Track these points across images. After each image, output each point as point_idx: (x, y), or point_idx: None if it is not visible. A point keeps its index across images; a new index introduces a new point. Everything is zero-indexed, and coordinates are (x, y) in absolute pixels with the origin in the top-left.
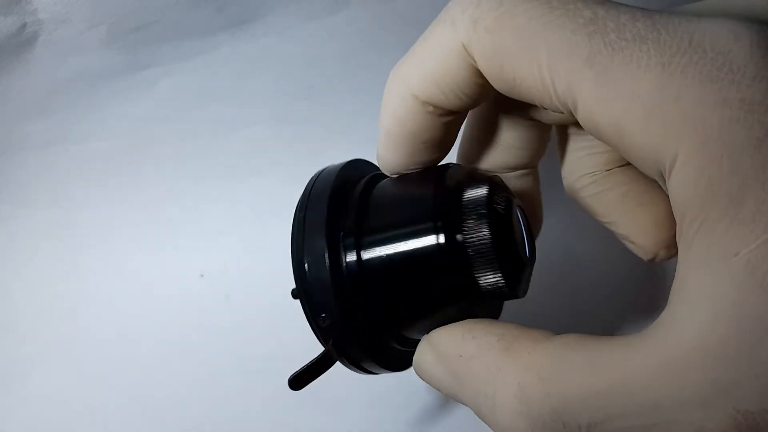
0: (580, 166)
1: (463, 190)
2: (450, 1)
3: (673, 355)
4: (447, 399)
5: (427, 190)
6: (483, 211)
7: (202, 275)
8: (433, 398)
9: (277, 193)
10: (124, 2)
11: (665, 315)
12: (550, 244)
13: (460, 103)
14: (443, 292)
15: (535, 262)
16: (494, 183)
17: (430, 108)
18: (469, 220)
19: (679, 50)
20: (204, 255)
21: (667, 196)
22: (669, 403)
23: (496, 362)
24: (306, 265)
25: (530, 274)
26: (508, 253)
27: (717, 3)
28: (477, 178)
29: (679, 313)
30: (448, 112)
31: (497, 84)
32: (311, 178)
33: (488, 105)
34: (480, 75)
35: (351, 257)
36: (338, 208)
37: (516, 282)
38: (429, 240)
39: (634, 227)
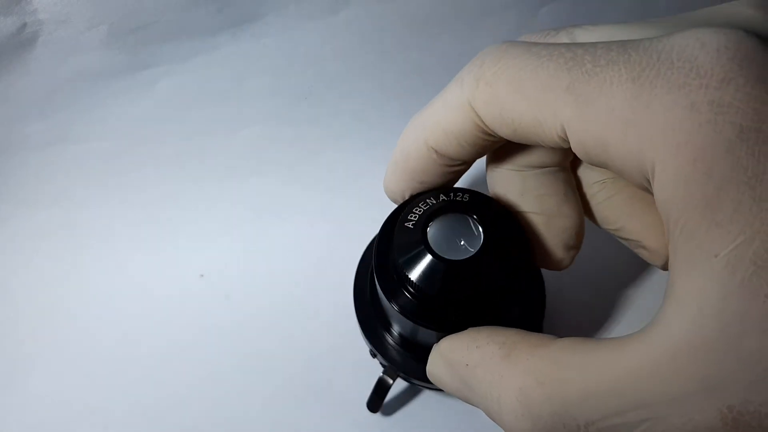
0: (590, 177)
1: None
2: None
3: (661, 355)
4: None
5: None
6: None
7: (202, 275)
8: (434, 398)
9: (276, 193)
10: (124, 3)
11: (656, 316)
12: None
13: (462, 152)
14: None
15: (492, 247)
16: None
17: (435, 155)
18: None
19: (648, 65)
20: (204, 255)
21: None
22: (659, 400)
23: (498, 369)
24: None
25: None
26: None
27: (702, 15)
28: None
29: (667, 313)
30: (451, 161)
31: (500, 130)
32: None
33: None
34: (481, 129)
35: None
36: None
37: (432, 279)
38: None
39: (644, 229)
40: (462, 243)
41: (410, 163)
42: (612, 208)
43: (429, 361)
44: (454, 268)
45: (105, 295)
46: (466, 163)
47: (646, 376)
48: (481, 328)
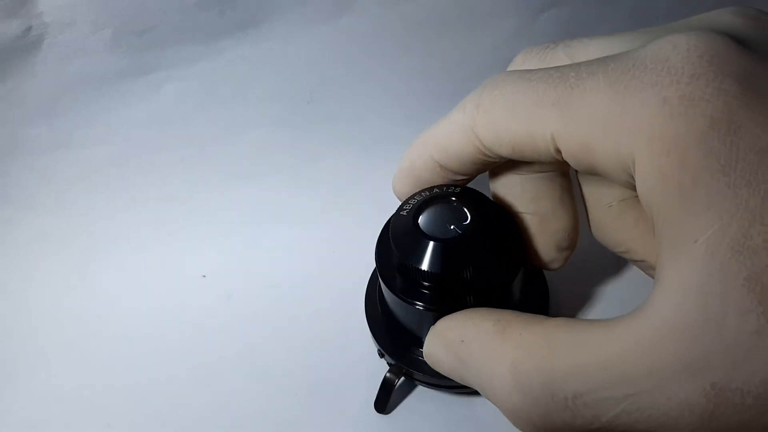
0: (598, 202)
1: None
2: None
3: (647, 335)
4: (447, 400)
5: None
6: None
7: (204, 276)
8: (434, 399)
9: (278, 195)
10: (129, 6)
11: (644, 301)
12: None
13: (465, 169)
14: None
15: (478, 231)
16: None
17: (439, 168)
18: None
19: (624, 71)
20: (206, 256)
21: None
22: (644, 377)
23: (492, 344)
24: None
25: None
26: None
27: (687, 23)
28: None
29: (654, 298)
30: (454, 174)
31: (499, 150)
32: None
33: None
34: (482, 151)
35: None
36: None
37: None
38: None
39: (650, 250)
40: (452, 227)
41: (416, 171)
42: (619, 230)
43: (426, 342)
44: (443, 247)
45: (107, 296)
46: (469, 177)
47: (633, 354)
48: (477, 308)
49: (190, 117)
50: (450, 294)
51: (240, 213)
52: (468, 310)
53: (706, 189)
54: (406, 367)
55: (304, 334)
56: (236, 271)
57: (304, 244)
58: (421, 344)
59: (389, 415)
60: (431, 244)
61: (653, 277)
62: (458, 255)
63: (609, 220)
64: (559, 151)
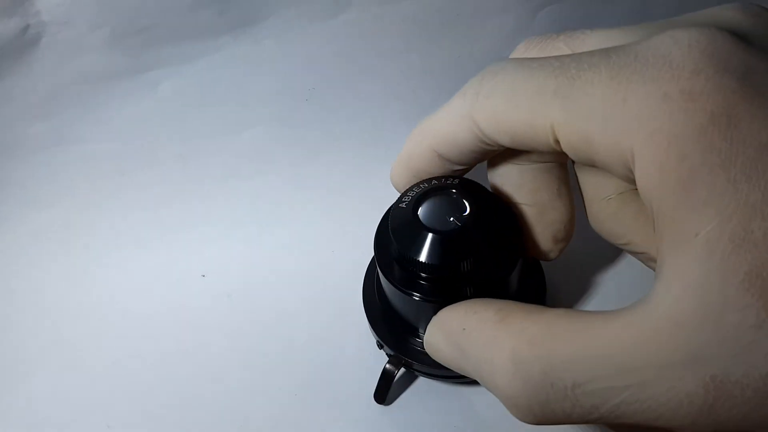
0: (597, 194)
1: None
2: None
3: (648, 327)
4: (445, 390)
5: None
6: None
7: (203, 275)
8: (433, 389)
9: (278, 193)
10: (127, 5)
11: (645, 295)
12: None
13: (463, 158)
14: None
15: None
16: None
17: (438, 158)
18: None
19: (626, 64)
20: (205, 255)
21: None
22: (644, 368)
23: (493, 332)
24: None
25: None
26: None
27: (688, 18)
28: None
29: (655, 291)
30: (453, 164)
31: (498, 139)
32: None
33: None
34: (481, 139)
35: None
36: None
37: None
38: None
39: (651, 242)
40: (451, 218)
41: (414, 163)
42: (619, 223)
43: (427, 331)
44: (442, 239)
45: (106, 295)
46: (468, 166)
47: (633, 345)
48: (478, 298)
49: (188, 115)
50: (448, 286)
51: (239, 212)
52: (470, 300)
53: (706, 183)
54: (405, 357)
55: (304, 331)
56: (236, 271)
57: (303, 242)
58: (419, 335)
59: (389, 405)
60: (430, 235)
61: (654, 270)
62: (457, 247)
63: (608, 212)
64: (558, 142)
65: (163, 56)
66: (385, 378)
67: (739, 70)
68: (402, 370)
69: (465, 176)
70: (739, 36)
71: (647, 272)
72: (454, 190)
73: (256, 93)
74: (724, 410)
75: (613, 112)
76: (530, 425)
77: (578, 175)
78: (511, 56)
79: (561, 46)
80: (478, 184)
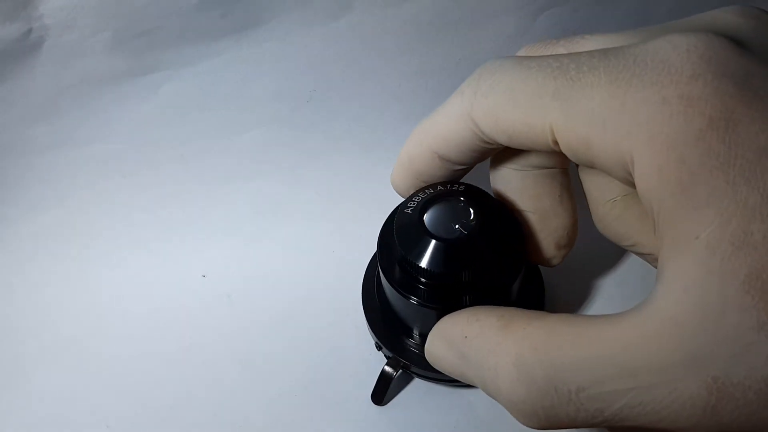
0: (602, 196)
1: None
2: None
3: (649, 329)
4: (443, 392)
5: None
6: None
7: (204, 275)
8: (430, 390)
9: (278, 194)
10: (129, 8)
11: (646, 298)
12: None
13: (463, 158)
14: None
15: (482, 230)
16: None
17: (438, 158)
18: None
19: (625, 68)
20: (206, 255)
21: None
22: (645, 369)
23: (496, 338)
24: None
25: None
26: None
27: (686, 22)
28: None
29: (656, 294)
30: (453, 164)
31: (497, 137)
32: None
33: None
34: (480, 138)
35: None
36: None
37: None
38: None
39: (656, 243)
40: (456, 226)
41: (414, 164)
42: (624, 225)
43: (428, 340)
44: (446, 247)
45: (107, 295)
46: (468, 166)
47: (635, 348)
48: (480, 306)
49: (189, 117)
50: (448, 293)
51: (240, 213)
52: (471, 307)
53: (706, 186)
54: (403, 360)
55: (303, 332)
56: (236, 271)
57: (304, 243)
58: (417, 338)
59: (386, 406)
60: (433, 242)
61: None
62: (460, 256)
63: (613, 214)
64: (557, 143)
65: (165, 59)
66: (384, 380)
67: (737, 75)
68: (400, 371)
69: (471, 183)
70: (737, 41)
71: (646, 276)
72: (460, 197)
73: (257, 95)
74: (727, 412)
75: (613, 115)
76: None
77: (582, 177)
78: None
79: (561, 51)
80: (484, 191)
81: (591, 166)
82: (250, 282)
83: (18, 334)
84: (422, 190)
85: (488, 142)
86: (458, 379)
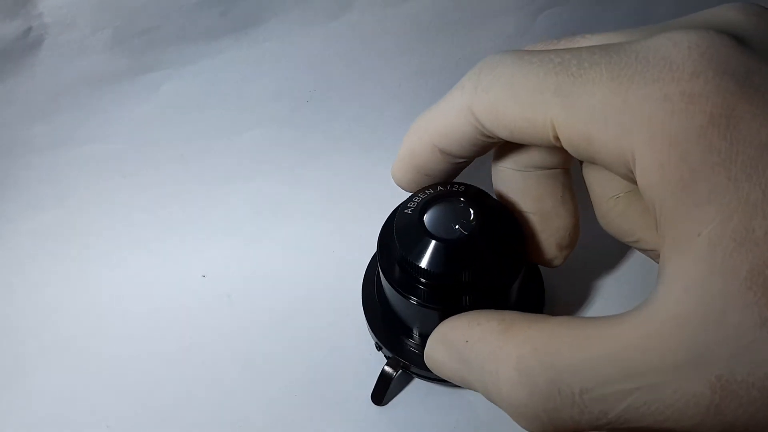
0: (605, 193)
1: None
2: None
3: (651, 329)
4: (442, 392)
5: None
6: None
7: (204, 275)
8: (430, 391)
9: (278, 194)
10: (129, 7)
11: (647, 297)
12: None
13: (464, 151)
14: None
15: (480, 231)
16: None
17: (438, 152)
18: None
19: (627, 65)
20: (206, 255)
21: None
22: (648, 369)
23: (497, 341)
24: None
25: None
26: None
27: (688, 20)
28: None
29: (658, 293)
30: (453, 158)
31: (497, 132)
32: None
33: None
34: (480, 132)
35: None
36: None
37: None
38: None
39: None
40: (456, 226)
41: (415, 158)
42: (628, 221)
43: (428, 345)
44: (446, 248)
45: (107, 295)
46: (469, 159)
47: (637, 348)
48: (481, 310)
49: (189, 116)
50: (448, 293)
51: (239, 212)
52: (472, 312)
53: (707, 182)
54: (403, 360)
55: (303, 332)
56: (236, 271)
57: (304, 243)
58: (417, 338)
59: (386, 406)
60: (433, 243)
61: None
62: (459, 257)
63: (617, 211)
64: (558, 139)
65: (165, 58)
66: (383, 380)
67: (738, 72)
68: (400, 371)
69: (473, 182)
70: (738, 38)
71: (647, 276)
72: (460, 198)
73: (257, 94)
74: (731, 410)
75: (614, 112)
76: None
77: (585, 174)
78: None
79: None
80: (484, 191)
81: (592, 162)
82: (250, 282)
83: (18, 334)
84: (422, 190)
85: (489, 137)
86: (459, 384)
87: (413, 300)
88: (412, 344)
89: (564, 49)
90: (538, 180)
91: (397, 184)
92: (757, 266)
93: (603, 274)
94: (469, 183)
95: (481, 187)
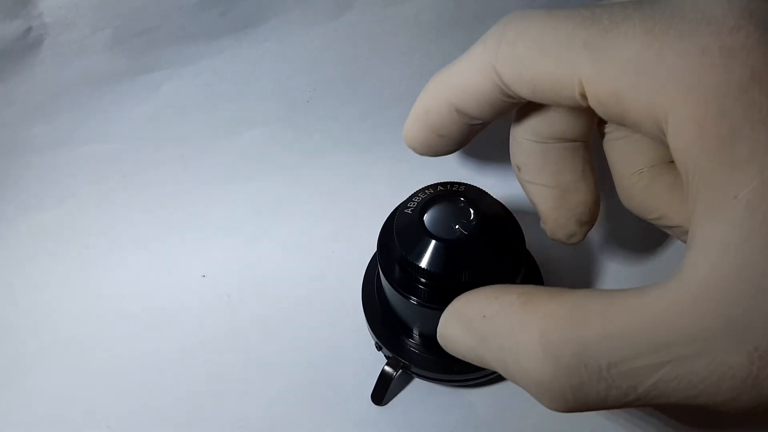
0: (628, 167)
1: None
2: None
3: (684, 297)
4: (442, 391)
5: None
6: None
7: (203, 275)
8: (430, 390)
9: (278, 194)
10: (129, 7)
11: (678, 267)
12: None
13: (482, 112)
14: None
15: (478, 231)
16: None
17: (455, 112)
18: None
19: (662, 18)
20: (206, 255)
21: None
22: (682, 341)
23: (518, 316)
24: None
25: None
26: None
27: None
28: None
29: (690, 260)
30: (470, 119)
31: (520, 90)
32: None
33: None
34: (502, 90)
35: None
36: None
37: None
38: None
39: (684, 214)
40: (456, 226)
41: (430, 118)
42: (651, 196)
43: (441, 322)
44: (446, 248)
45: (107, 295)
46: (485, 122)
47: (669, 318)
48: (497, 285)
49: (189, 116)
50: (448, 293)
51: (239, 212)
52: (487, 286)
53: (747, 141)
54: (403, 360)
55: (303, 332)
56: (236, 271)
57: (304, 243)
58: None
59: (386, 406)
60: (433, 243)
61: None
62: (460, 257)
63: (640, 186)
64: (584, 97)
65: (165, 58)
66: (383, 380)
67: None
68: (400, 371)
69: (472, 184)
70: None
71: (648, 277)
72: (460, 198)
73: (257, 94)
74: None
75: (648, 66)
76: (526, 423)
77: (607, 149)
78: None
79: None
80: (484, 191)
81: (620, 123)
82: (250, 282)
83: (18, 334)
84: (422, 190)
85: (510, 96)
86: (475, 363)
87: (413, 300)
88: (412, 344)
89: (595, 5)
90: (558, 153)
91: (409, 146)
92: None
93: (603, 275)
94: (467, 183)
95: (481, 187)
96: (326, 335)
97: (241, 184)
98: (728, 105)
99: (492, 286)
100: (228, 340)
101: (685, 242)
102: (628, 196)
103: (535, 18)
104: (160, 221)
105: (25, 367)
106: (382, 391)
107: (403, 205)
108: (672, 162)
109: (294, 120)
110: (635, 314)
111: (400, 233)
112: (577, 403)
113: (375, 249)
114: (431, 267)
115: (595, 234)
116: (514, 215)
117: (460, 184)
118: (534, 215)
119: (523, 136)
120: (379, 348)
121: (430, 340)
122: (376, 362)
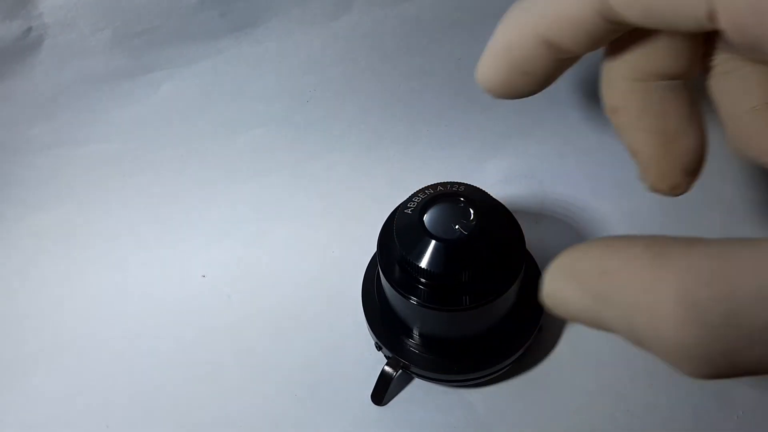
0: (740, 106)
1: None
2: None
3: None
4: (442, 391)
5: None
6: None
7: (204, 275)
8: (429, 390)
9: (278, 194)
10: (129, 7)
11: None
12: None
13: (576, 44)
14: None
15: (479, 231)
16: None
17: (543, 44)
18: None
19: None
20: (206, 255)
21: None
22: None
23: (648, 271)
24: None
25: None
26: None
27: None
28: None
29: None
30: (561, 52)
31: (628, 12)
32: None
33: None
34: (603, 15)
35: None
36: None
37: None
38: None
39: None
40: (456, 226)
41: (513, 52)
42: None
43: (546, 280)
44: (446, 248)
45: (107, 295)
46: (577, 56)
47: None
48: (613, 236)
49: (189, 116)
50: (448, 293)
51: (239, 212)
52: (602, 238)
53: None
54: (403, 360)
55: (303, 332)
56: (236, 271)
57: (304, 243)
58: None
59: (386, 406)
60: (433, 243)
61: None
62: (460, 257)
63: (754, 125)
64: (712, 18)
65: (165, 58)
66: (383, 380)
67: None
68: (400, 371)
69: (471, 183)
70: None
71: None
72: (460, 198)
73: (257, 94)
74: None
75: None
76: (526, 423)
77: (714, 87)
78: None
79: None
80: (484, 191)
81: (752, 52)
82: (250, 282)
83: (17, 334)
84: (422, 190)
85: (613, 22)
86: (589, 325)
87: (413, 300)
88: (412, 344)
89: None
90: (660, 92)
91: (485, 88)
92: None
93: None
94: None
95: (481, 188)
96: (326, 335)
97: (240, 184)
98: None
99: (605, 237)
100: (228, 340)
101: None
102: (739, 139)
103: None
104: (160, 221)
105: (25, 367)
106: (382, 391)
107: (403, 205)
108: None
109: (294, 120)
110: None
111: (400, 233)
112: (726, 368)
113: (375, 249)
114: (431, 267)
115: (595, 234)
116: (514, 215)
117: (460, 184)
118: (534, 215)
119: (619, 74)
120: (379, 348)
121: (430, 340)
122: (376, 362)
